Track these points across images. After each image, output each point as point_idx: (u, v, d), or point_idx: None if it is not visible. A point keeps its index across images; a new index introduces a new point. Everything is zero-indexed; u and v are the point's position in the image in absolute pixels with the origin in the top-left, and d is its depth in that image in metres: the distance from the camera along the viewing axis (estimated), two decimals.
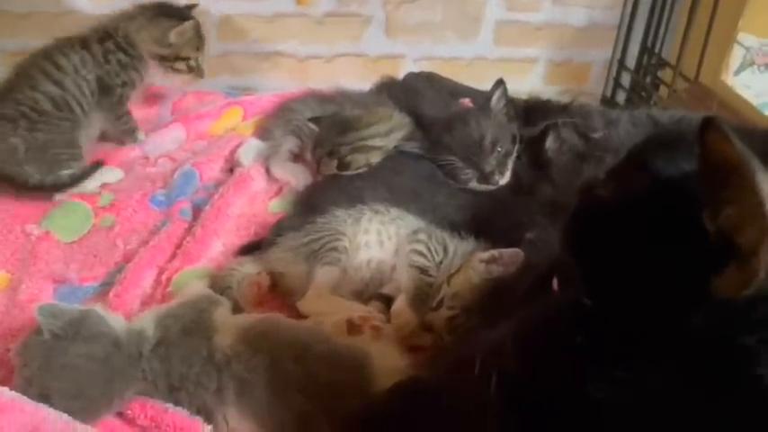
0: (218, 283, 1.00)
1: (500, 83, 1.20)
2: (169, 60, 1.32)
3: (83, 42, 1.28)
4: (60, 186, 1.21)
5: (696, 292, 0.45)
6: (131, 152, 1.35)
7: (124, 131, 1.36)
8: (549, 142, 1.13)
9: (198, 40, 1.34)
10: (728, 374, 0.45)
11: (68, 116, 1.24)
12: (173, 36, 1.30)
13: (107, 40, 1.29)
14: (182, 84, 1.39)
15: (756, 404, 0.44)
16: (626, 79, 1.72)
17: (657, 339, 0.47)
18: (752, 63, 1.54)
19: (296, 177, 1.26)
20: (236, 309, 0.94)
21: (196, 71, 1.36)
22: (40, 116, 1.21)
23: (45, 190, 1.20)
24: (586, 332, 0.51)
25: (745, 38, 1.50)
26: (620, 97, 1.73)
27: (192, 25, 1.32)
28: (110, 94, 1.30)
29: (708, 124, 0.43)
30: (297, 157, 1.31)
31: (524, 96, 1.47)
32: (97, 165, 1.24)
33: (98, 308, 0.84)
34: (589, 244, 0.54)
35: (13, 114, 1.20)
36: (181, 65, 1.34)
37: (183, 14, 1.33)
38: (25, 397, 0.75)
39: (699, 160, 0.45)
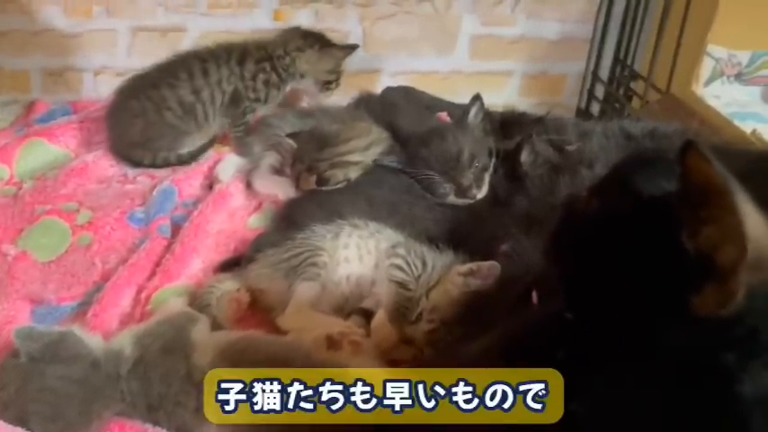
0: (197, 300, 1.00)
1: (477, 98, 1.22)
2: (331, 83, 1.46)
3: (241, 58, 1.39)
4: (171, 164, 1.35)
5: (676, 310, 0.46)
6: (110, 169, 1.35)
7: (236, 139, 1.41)
8: (524, 156, 1.15)
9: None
10: (708, 392, 0.46)
11: (188, 120, 1.35)
12: (343, 65, 1.46)
13: (266, 61, 1.40)
14: (325, 97, 1.51)
15: (735, 421, 0.45)
16: (600, 91, 1.75)
17: (637, 356, 0.48)
18: (721, 74, 1.58)
19: (282, 189, 1.26)
20: (216, 326, 0.94)
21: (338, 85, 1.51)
22: (159, 116, 1.33)
23: (158, 167, 1.35)
24: (568, 345, 0.53)
25: (715, 49, 1.53)
26: (595, 109, 1.76)
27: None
28: (238, 105, 1.39)
29: (688, 147, 0.45)
30: (277, 172, 1.32)
31: (500, 109, 1.49)
32: (211, 141, 1.39)
33: (75, 329, 0.84)
34: (571, 259, 0.55)
35: (136, 110, 1.34)
36: (334, 85, 1.48)
37: (333, 42, 1.47)
38: (1, 421, 0.75)
39: (679, 181, 0.46)
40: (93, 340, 0.83)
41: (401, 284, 0.96)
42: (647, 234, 0.49)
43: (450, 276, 0.95)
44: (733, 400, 0.45)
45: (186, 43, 1.57)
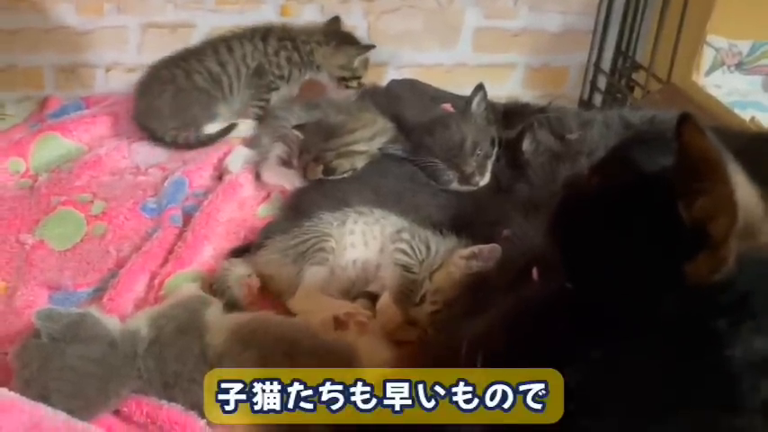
0: (217, 283, 1.03)
1: (480, 87, 1.25)
2: (347, 80, 1.53)
3: (264, 35, 1.48)
4: (190, 146, 1.41)
5: (672, 279, 0.48)
6: (122, 161, 1.39)
7: (255, 113, 1.48)
8: (526, 144, 1.17)
9: (367, 62, 1.55)
10: (700, 356, 0.47)
11: (215, 90, 1.43)
12: (356, 62, 1.52)
13: (287, 40, 1.49)
14: (348, 94, 1.56)
15: (727, 383, 0.47)
16: (602, 82, 1.76)
17: (634, 322, 0.50)
18: (722, 63, 1.59)
19: (289, 181, 1.29)
20: (236, 307, 0.98)
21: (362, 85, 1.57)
22: (189, 81, 1.41)
23: (176, 146, 1.41)
24: (567, 315, 0.55)
25: (715, 39, 1.55)
26: (597, 100, 1.78)
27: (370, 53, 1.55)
28: (262, 78, 1.47)
29: (684, 120, 0.46)
30: (285, 163, 1.35)
31: (504, 101, 1.51)
32: (231, 126, 1.43)
33: (93, 310, 0.88)
34: (573, 232, 0.57)
35: (166, 78, 1.41)
36: (354, 83, 1.54)
37: (357, 41, 1.55)
38: (24, 397, 0.78)
39: (675, 154, 0.48)
40: (110, 321, 0.87)
41: (405, 268, 0.99)
42: (645, 207, 0.51)
43: (453, 259, 0.98)
44: (724, 363, 0.46)
45: (195, 39, 1.60)
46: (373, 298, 1.01)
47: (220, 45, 1.45)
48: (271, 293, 1.06)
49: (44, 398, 0.78)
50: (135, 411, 0.82)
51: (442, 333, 0.90)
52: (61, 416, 0.77)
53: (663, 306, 0.49)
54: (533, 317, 0.62)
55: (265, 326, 0.88)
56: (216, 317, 0.90)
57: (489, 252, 0.95)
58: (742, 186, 0.45)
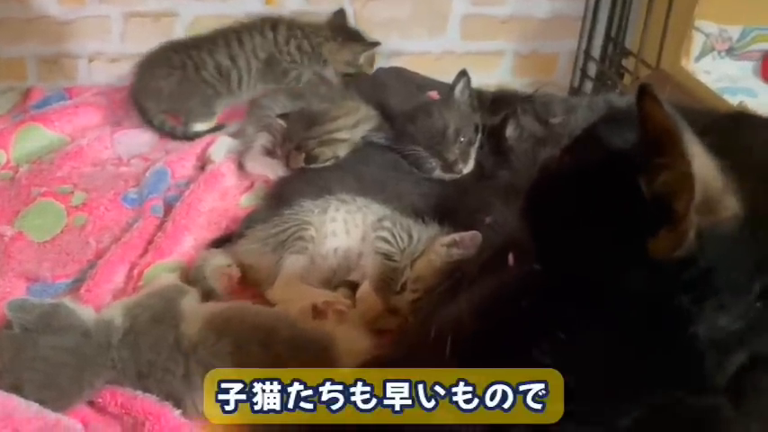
0: (194, 274, 1.02)
1: (463, 74, 1.24)
2: (352, 76, 1.54)
3: (273, 24, 1.50)
4: (175, 136, 1.42)
5: (637, 256, 0.47)
6: (104, 152, 1.37)
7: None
8: (510, 130, 1.16)
9: (373, 58, 1.58)
10: (665, 335, 0.46)
11: (222, 84, 1.44)
12: (362, 59, 1.54)
13: (297, 29, 1.51)
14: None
15: (692, 362, 0.46)
16: (593, 69, 1.75)
17: (600, 302, 0.49)
18: (712, 49, 1.57)
19: (272, 171, 1.28)
20: (212, 297, 0.97)
21: None
22: (197, 74, 1.42)
23: (162, 133, 1.42)
24: (534, 296, 0.54)
25: (705, 25, 1.53)
26: (588, 87, 1.76)
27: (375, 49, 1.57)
28: (275, 66, 1.48)
29: (642, 91, 0.45)
30: (269, 153, 1.34)
31: (493, 89, 1.50)
32: (219, 127, 1.45)
33: (67, 301, 0.87)
34: (544, 212, 0.56)
35: (176, 63, 1.42)
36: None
37: (362, 37, 1.56)
38: None
39: (638, 128, 0.46)
40: (84, 311, 0.86)
41: (386, 256, 0.98)
42: (612, 184, 0.49)
43: (434, 247, 0.97)
44: (688, 340, 0.46)
45: (178, 28, 1.59)
46: (354, 287, 1.00)
47: (232, 38, 1.46)
48: (251, 284, 1.04)
49: (16, 388, 0.77)
50: (109, 402, 0.80)
51: (419, 319, 0.89)
52: (34, 407, 0.76)
53: (628, 285, 0.48)
54: (503, 302, 0.61)
55: (241, 315, 0.86)
56: (192, 306, 0.89)
57: (470, 240, 0.94)
58: (699, 157, 0.43)
